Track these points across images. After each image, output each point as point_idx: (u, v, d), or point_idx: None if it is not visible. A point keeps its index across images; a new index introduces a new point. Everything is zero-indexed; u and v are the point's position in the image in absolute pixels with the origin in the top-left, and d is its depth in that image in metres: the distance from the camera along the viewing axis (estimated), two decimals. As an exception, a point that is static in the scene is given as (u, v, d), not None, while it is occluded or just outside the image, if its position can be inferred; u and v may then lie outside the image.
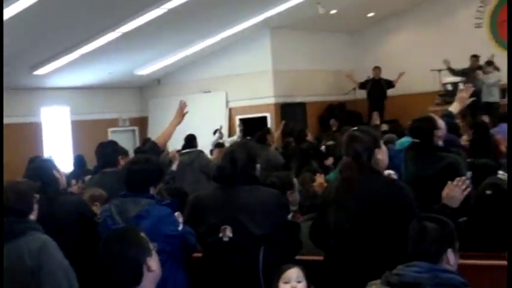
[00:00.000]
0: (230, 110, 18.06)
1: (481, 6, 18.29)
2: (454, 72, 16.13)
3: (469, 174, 6.39)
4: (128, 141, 17.01)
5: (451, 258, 3.42)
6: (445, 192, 4.17)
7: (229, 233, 4.22)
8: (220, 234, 4.24)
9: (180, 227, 4.32)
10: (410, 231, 3.50)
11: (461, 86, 15.28)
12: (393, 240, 3.76)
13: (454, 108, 6.36)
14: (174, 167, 8.66)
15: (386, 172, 4.79)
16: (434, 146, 5.36)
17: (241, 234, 4.19)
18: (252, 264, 4.16)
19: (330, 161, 10.19)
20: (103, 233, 4.05)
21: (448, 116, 6.06)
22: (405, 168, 5.52)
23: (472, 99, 6.62)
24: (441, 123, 5.45)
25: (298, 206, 5.65)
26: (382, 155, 4.12)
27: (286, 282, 3.97)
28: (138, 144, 16.98)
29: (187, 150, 10.50)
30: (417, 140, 5.46)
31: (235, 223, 4.22)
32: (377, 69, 17.56)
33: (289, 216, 4.47)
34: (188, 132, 10.66)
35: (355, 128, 4.33)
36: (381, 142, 4.19)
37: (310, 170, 8.08)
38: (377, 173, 4.09)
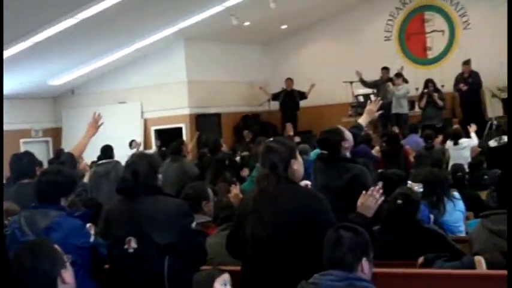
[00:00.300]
0: (145, 120, 17.96)
1: (390, 20, 18.80)
2: (365, 84, 16.48)
3: (380, 184, 6.54)
4: (41, 152, 16.64)
5: (366, 267, 3.50)
6: (360, 201, 4.26)
7: (133, 244, 4.22)
8: (126, 246, 4.22)
9: (92, 239, 4.27)
10: (326, 240, 3.56)
11: (372, 97, 15.67)
12: (311, 250, 3.80)
13: (363, 120, 6.43)
14: (85, 178, 8.55)
15: (303, 183, 4.86)
16: (342, 157, 5.43)
17: (146, 245, 4.19)
18: (158, 274, 4.16)
19: (245, 172, 10.27)
20: (11, 246, 3.97)
21: (356, 128, 6.12)
22: (314, 179, 5.58)
23: (380, 112, 6.74)
24: (348, 134, 5.52)
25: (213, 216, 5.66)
26: (298, 165, 4.16)
27: (223, 285, 3.98)
28: (51, 155, 16.67)
29: (104, 161, 10.37)
30: (325, 152, 5.51)
31: (139, 234, 4.21)
32: (289, 80, 17.78)
33: (193, 225, 4.47)
34: (103, 143, 10.53)
35: (271, 139, 4.37)
36: (297, 153, 4.24)
37: (226, 180, 8.12)
38: (294, 183, 4.13)
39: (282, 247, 3.90)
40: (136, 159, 4.50)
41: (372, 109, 6.47)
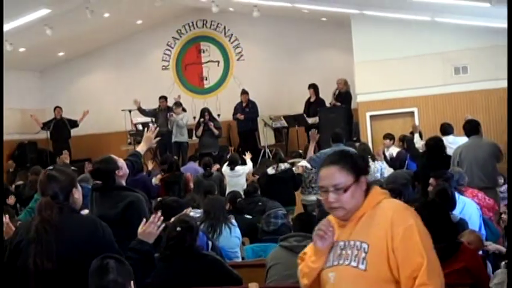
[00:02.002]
0: None
1: (167, 50, 19.16)
2: (144, 112, 16.62)
3: (159, 213, 6.66)
4: None
5: (133, 289, 3.65)
6: (142, 229, 4.33)
7: None
8: None
9: None
10: (92, 268, 3.61)
11: (151, 126, 15.81)
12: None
13: (141, 148, 6.51)
14: None
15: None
16: (117, 186, 5.44)
17: None
18: None
19: (11, 199, 9.99)
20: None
21: (135, 156, 6.18)
22: (91, 209, 5.57)
23: (158, 139, 6.84)
24: (122, 163, 5.54)
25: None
26: (78, 194, 4.16)
27: None
28: None
29: None
30: (99, 182, 5.49)
31: None
32: (58, 108, 17.50)
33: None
34: None
35: (51, 167, 4.32)
36: (77, 181, 4.24)
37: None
38: (77, 212, 4.13)
39: (67, 277, 3.89)
40: None
41: (150, 136, 6.57)
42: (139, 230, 4.32)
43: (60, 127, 17.32)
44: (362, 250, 3.10)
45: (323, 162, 3.29)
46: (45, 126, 17.49)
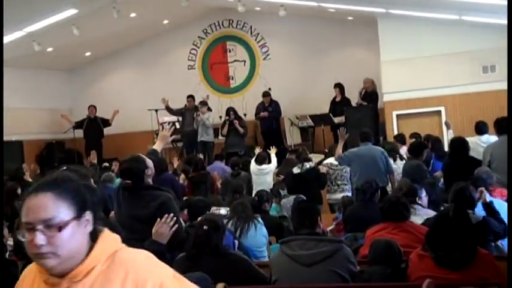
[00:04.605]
0: None
1: (193, 49, 19.20)
2: (171, 111, 16.65)
3: (185, 211, 6.71)
4: None
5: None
6: (155, 229, 4.34)
7: None
8: None
9: None
10: None
11: (177, 125, 15.88)
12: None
13: (158, 146, 6.56)
14: None
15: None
16: (147, 186, 5.48)
17: None
18: None
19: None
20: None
21: (152, 154, 6.22)
22: (118, 208, 5.58)
23: (173, 137, 6.88)
24: (150, 162, 5.57)
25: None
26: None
27: None
28: None
29: None
30: (129, 181, 5.51)
31: None
32: (92, 107, 17.63)
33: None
34: None
35: (64, 167, 4.33)
36: (92, 180, 4.23)
37: (16, 211, 7.95)
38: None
39: None
40: None
41: (165, 135, 6.63)
42: (153, 230, 4.34)
43: (93, 126, 17.44)
44: None
45: (30, 189, 2.28)
46: (79, 125, 17.62)
